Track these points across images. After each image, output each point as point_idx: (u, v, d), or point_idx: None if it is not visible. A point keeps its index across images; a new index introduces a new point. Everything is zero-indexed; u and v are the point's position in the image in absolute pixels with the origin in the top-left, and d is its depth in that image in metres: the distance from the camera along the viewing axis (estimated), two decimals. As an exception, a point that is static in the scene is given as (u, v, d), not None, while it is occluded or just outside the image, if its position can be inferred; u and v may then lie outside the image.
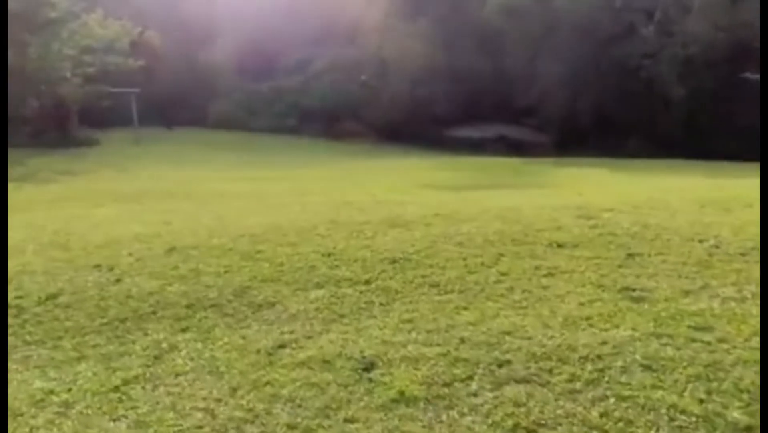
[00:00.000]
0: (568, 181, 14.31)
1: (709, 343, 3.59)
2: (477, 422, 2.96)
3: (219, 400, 3.29)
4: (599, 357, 3.47)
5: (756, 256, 5.22)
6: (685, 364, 3.36)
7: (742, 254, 5.36)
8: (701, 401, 3.02)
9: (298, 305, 4.63)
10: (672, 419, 2.88)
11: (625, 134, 26.53)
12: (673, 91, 25.88)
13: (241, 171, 17.63)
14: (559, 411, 2.99)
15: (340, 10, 32.00)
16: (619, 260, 5.32)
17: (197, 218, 8.47)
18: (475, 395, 3.18)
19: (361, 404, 3.15)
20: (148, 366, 3.75)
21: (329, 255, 5.70)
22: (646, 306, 4.26)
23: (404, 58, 29.85)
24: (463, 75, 29.24)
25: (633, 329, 3.85)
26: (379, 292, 4.80)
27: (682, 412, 2.93)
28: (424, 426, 2.97)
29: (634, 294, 4.51)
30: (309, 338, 4.02)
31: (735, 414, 2.92)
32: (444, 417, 3.02)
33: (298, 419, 3.07)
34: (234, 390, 3.38)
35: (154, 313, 4.61)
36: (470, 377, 3.34)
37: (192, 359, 3.81)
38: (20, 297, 4.99)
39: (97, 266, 5.72)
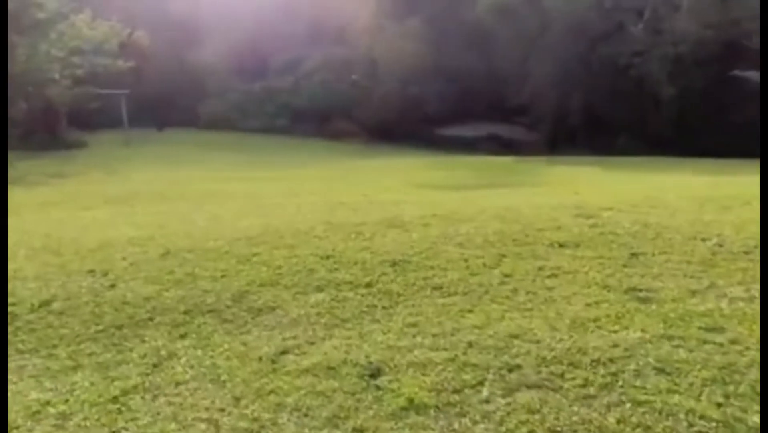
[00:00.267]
0: (562, 179, 14.28)
1: (721, 345, 3.52)
2: (490, 430, 2.88)
3: (222, 410, 3.18)
4: (611, 360, 3.40)
5: (760, 255, 5.17)
6: (699, 367, 3.29)
7: (746, 252, 5.31)
8: (719, 405, 2.94)
9: (298, 309, 4.52)
10: (691, 425, 2.81)
11: (616, 132, 26.58)
12: (664, 90, 25.93)
13: (233, 172, 17.49)
14: (574, 418, 2.91)
15: (331, 10, 31.85)
16: (622, 259, 5.25)
17: (191, 220, 8.35)
18: (486, 401, 3.09)
19: (370, 412, 3.06)
20: (147, 375, 3.64)
21: (328, 257, 5.60)
22: (653, 307, 4.19)
23: (395, 57, 29.77)
24: (454, 74, 29.20)
25: (643, 330, 3.78)
26: (380, 295, 4.70)
27: (701, 417, 2.85)
28: (436, 435, 2.88)
29: (641, 295, 4.44)
30: (312, 343, 3.92)
31: (755, 418, 2.85)
32: (456, 425, 2.93)
33: (306, 430, 2.97)
34: (237, 399, 3.28)
35: (151, 319, 4.49)
36: (480, 383, 3.26)
37: (192, 367, 3.70)
38: (12, 304, 4.85)
39: (91, 271, 5.59)
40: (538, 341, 3.71)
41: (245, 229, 6.92)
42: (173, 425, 3.08)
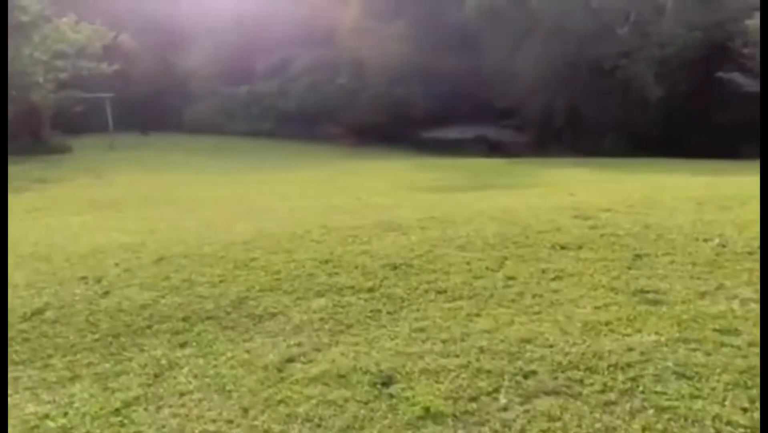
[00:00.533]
0: (555, 180, 14.24)
1: (739, 348, 3.45)
2: (511, 440, 2.78)
3: (230, 421, 3.06)
4: (629, 365, 3.32)
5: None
6: (719, 370, 3.21)
7: (750, 253, 5.26)
8: (745, 410, 2.87)
9: (300, 315, 4.40)
10: (719, 432, 2.73)
11: (602, 133, 26.66)
12: (650, 91, 26.07)
13: (220, 176, 17.31)
14: (597, 425, 2.82)
15: (317, 13, 31.71)
16: (626, 261, 5.19)
17: (182, 224, 8.21)
18: (504, 409, 3.00)
19: (386, 422, 2.95)
20: (149, 385, 3.50)
21: (327, 262, 5.49)
22: (664, 309, 4.12)
23: (382, 59, 29.68)
24: (441, 76, 29.14)
25: (657, 333, 3.70)
26: (384, 300, 4.60)
27: (728, 423, 2.77)
28: (455, 445, 2.78)
29: (649, 297, 4.37)
30: (318, 350, 3.80)
31: (783, 424, 2.77)
32: (476, 435, 2.84)
33: (319, 441, 2.86)
34: (245, 410, 3.15)
35: (149, 327, 4.35)
36: (496, 390, 3.16)
37: (195, 377, 3.57)
38: (3, 313, 4.70)
39: (83, 278, 5.44)
40: (551, 346, 3.62)
41: (240, 233, 6.80)
42: (180, 439, 2.95)
